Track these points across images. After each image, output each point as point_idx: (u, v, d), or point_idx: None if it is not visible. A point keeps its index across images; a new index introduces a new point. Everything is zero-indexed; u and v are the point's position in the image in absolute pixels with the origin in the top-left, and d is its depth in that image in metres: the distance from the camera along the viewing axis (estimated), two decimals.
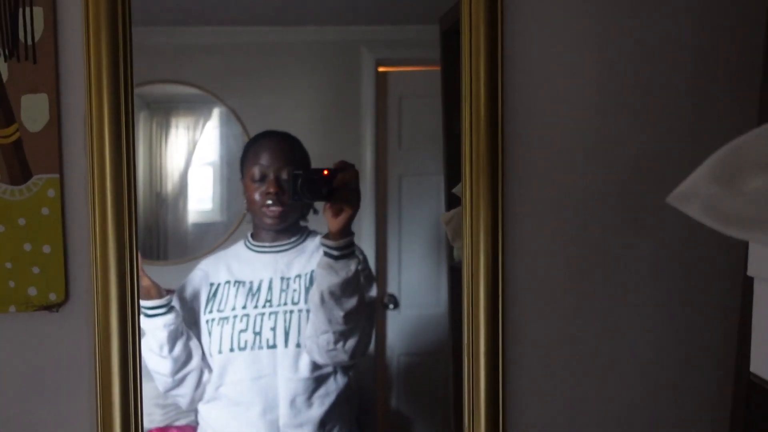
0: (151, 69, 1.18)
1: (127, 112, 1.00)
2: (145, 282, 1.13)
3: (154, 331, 1.15)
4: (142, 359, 1.12)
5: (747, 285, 0.76)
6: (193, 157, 1.30)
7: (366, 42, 1.31)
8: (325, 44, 1.33)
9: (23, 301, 1.02)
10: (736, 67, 1.10)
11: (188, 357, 1.18)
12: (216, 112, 1.31)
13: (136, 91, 1.08)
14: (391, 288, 1.31)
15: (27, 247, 1.01)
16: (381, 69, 1.32)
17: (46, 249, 1.02)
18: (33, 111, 1.01)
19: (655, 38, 1.11)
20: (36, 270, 1.02)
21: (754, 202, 0.58)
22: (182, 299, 1.21)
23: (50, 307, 1.02)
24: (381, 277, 1.31)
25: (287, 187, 1.18)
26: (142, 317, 1.12)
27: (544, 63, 1.11)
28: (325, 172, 1.15)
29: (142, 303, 1.13)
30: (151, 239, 1.27)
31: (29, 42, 0.99)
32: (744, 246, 0.74)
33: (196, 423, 1.25)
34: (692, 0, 1.11)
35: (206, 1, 1.27)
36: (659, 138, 1.11)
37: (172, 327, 1.16)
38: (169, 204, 1.31)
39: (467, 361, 1.10)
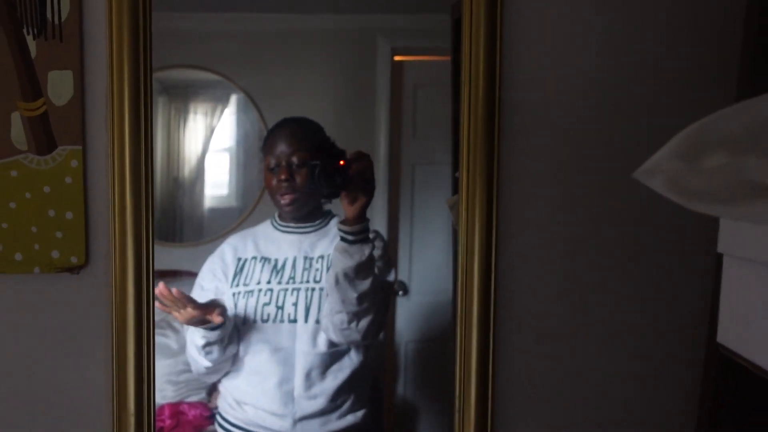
0: (170, 53, 1.19)
1: (146, 89, 1.04)
2: (194, 313, 1.16)
3: (206, 335, 1.19)
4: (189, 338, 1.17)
5: (719, 261, 0.80)
6: (210, 143, 1.32)
7: (382, 30, 1.32)
8: (342, 32, 1.33)
9: (47, 263, 1.06)
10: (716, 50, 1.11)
11: (225, 360, 1.23)
12: (233, 99, 1.32)
13: (156, 75, 1.11)
14: (402, 275, 1.33)
15: (51, 213, 1.06)
16: (397, 58, 1.32)
17: (69, 215, 1.06)
18: (59, 86, 1.04)
19: (655, 25, 1.12)
20: (59, 234, 1.06)
21: (713, 178, 0.63)
22: (214, 271, 1.25)
23: (71, 270, 1.07)
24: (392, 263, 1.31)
25: (304, 174, 1.20)
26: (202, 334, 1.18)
27: (542, 51, 1.13)
28: (342, 162, 1.17)
29: (206, 334, 1.18)
30: (167, 222, 1.29)
31: (56, 21, 1.03)
32: (717, 225, 0.79)
33: (213, 390, 1.29)
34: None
35: None
36: (655, 126, 1.11)
37: (221, 339, 1.20)
38: (186, 188, 1.33)
39: (459, 338, 1.13)
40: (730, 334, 0.77)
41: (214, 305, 1.19)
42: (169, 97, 1.28)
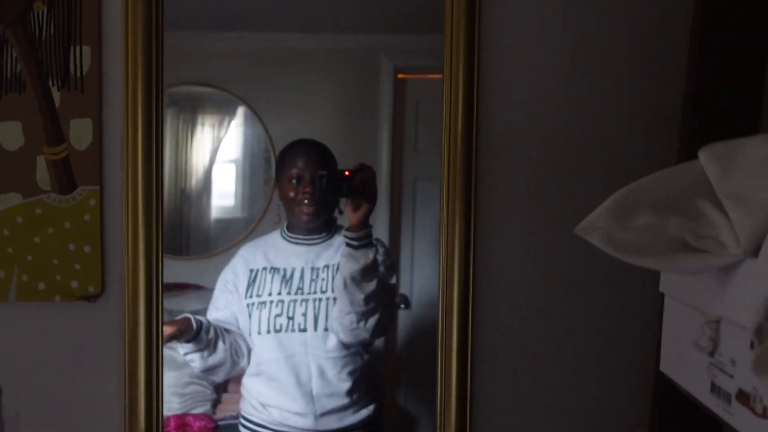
0: (180, 70, 1.23)
1: (157, 138, 1.13)
2: (168, 331, 1.24)
3: (185, 350, 1.28)
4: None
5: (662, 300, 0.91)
6: (217, 155, 1.36)
7: (386, 50, 1.34)
8: (347, 51, 1.36)
9: (67, 291, 1.15)
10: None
11: (217, 365, 1.31)
12: (240, 111, 1.36)
13: (165, 90, 1.15)
14: (404, 288, 1.35)
15: (71, 246, 1.14)
16: (400, 76, 1.35)
17: (87, 249, 1.15)
18: (79, 132, 1.13)
19: (615, 60, 1.18)
20: (78, 266, 1.14)
21: (641, 235, 0.73)
22: (227, 283, 1.32)
23: (89, 298, 1.16)
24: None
25: (314, 186, 1.26)
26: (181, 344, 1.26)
27: (520, 72, 1.19)
28: (346, 173, 1.24)
29: (183, 345, 1.26)
30: (174, 234, 1.32)
31: (78, 75, 1.12)
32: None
33: (218, 402, 1.35)
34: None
35: (233, 8, 1.30)
36: (623, 142, 1.19)
37: (199, 351, 1.28)
38: (193, 200, 1.36)
39: (440, 347, 1.21)
40: (669, 364, 0.87)
41: (175, 322, 1.26)
42: (177, 109, 1.31)
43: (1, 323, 1.16)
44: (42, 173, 1.14)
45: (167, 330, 1.24)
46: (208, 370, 1.32)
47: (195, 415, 1.32)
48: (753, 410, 0.67)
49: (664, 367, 0.88)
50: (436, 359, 1.22)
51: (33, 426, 1.18)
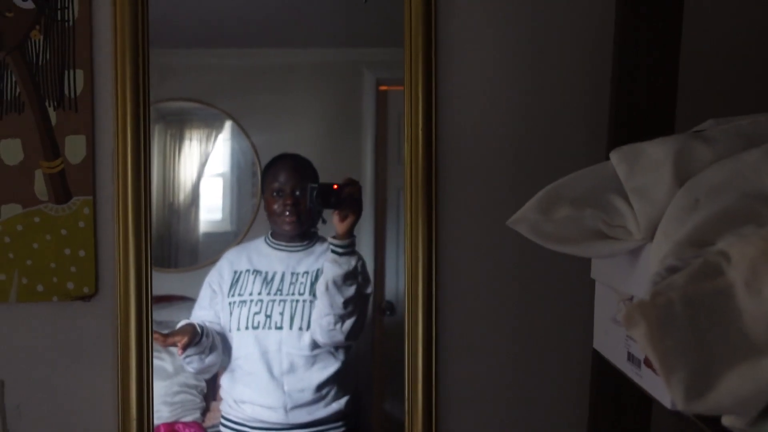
0: (166, 86, 1.28)
1: (145, 152, 1.22)
2: (170, 341, 1.32)
3: (189, 358, 1.35)
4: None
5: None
6: (205, 168, 1.41)
7: (367, 63, 1.38)
8: (329, 65, 1.40)
9: (63, 292, 1.23)
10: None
11: (212, 364, 1.38)
12: (227, 125, 1.39)
13: (153, 105, 1.21)
14: (389, 295, 1.41)
15: (67, 251, 1.23)
16: (382, 88, 1.39)
17: (82, 253, 1.23)
18: (74, 148, 1.22)
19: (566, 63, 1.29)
20: (73, 269, 1.23)
21: (561, 226, 0.85)
22: (212, 283, 1.39)
23: (84, 298, 1.24)
24: (379, 284, 1.40)
25: (305, 197, 1.33)
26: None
27: (475, 85, 1.27)
28: (335, 186, 1.32)
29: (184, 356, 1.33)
30: (162, 248, 1.37)
31: (72, 96, 1.22)
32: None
33: (207, 411, 1.41)
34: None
35: (218, 25, 1.34)
36: (567, 147, 1.29)
37: (199, 354, 1.35)
38: (181, 214, 1.41)
39: (407, 348, 1.29)
40: (600, 340, 0.99)
41: (183, 331, 1.34)
42: (165, 124, 1.36)
43: (2, 323, 1.24)
44: (40, 185, 1.23)
45: (181, 339, 1.32)
46: (203, 371, 1.39)
47: (185, 423, 1.37)
48: (654, 371, 0.78)
49: (596, 344, 1.00)
50: (403, 355, 1.30)
51: (33, 418, 1.26)
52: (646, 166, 0.81)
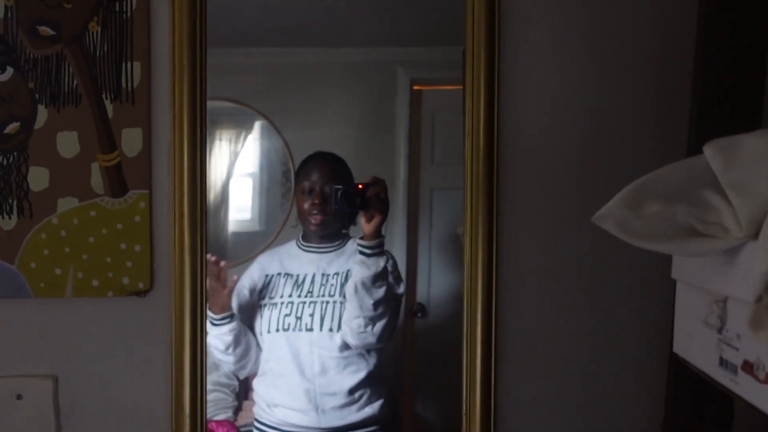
0: None
1: (202, 145, 1.21)
2: (228, 299, 1.35)
3: (222, 336, 1.35)
4: (211, 348, 1.31)
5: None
6: (234, 168, 1.41)
7: (402, 62, 1.38)
8: (363, 64, 1.40)
9: (119, 287, 1.22)
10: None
11: (248, 349, 1.38)
12: (257, 126, 1.40)
13: None
14: (421, 297, 1.40)
15: (123, 246, 1.22)
16: (416, 87, 1.38)
17: (137, 248, 1.22)
18: (130, 141, 1.21)
19: (636, 59, 1.24)
20: (129, 264, 1.22)
21: (651, 222, 0.81)
22: (244, 289, 1.39)
23: (139, 293, 1.23)
24: (410, 286, 1.39)
25: (330, 198, 1.34)
26: (210, 325, 1.32)
27: (538, 83, 1.23)
28: (360, 186, 1.31)
29: (214, 315, 1.33)
30: None
31: (129, 88, 1.21)
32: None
33: (239, 410, 1.41)
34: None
35: (251, 24, 1.34)
36: (638, 146, 1.24)
37: (236, 331, 1.36)
38: (210, 213, 1.36)
39: (465, 352, 1.25)
40: (681, 344, 0.94)
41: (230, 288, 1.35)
42: None
43: (57, 317, 1.24)
44: (96, 178, 1.22)
45: (232, 282, 1.34)
46: (240, 358, 1.38)
47: (218, 422, 1.38)
48: (756, 377, 0.74)
49: (677, 348, 0.95)
50: (462, 362, 1.25)
51: (87, 414, 1.25)
52: (745, 159, 0.76)
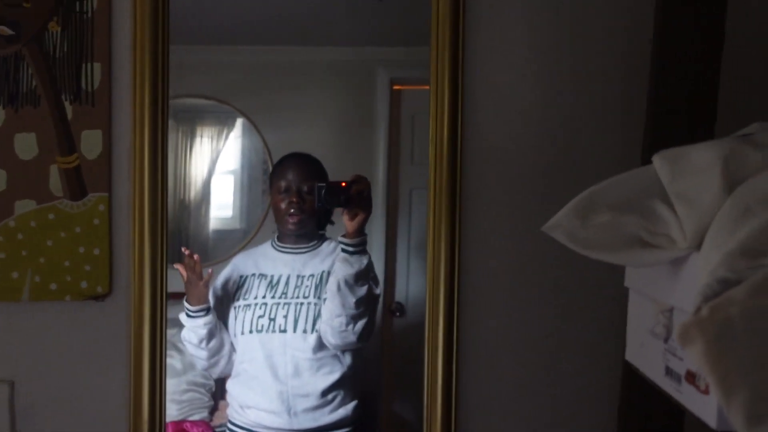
0: (179, 83, 1.24)
1: (163, 147, 1.20)
2: (204, 291, 1.33)
3: (196, 328, 1.34)
4: (184, 342, 1.32)
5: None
6: (216, 166, 1.41)
7: (382, 62, 1.38)
8: (343, 63, 1.39)
9: (77, 291, 1.21)
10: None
11: (221, 346, 1.37)
12: (239, 123, 1.40)
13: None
14: (399, 296, 1.40)
15: (81, 249, 1.20)
16: (396, 87, 1.38)
17: (96, 251, 1.21)
18: (90, 143, 1.20)
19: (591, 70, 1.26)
20: (87, 267, 1.20)
21: (600, 232, 0.81)
22: (217, 289, 1.38)
23: (97, 297, 1.22)
24: (389, 285, 1.39)
25: (314, 196, 1.31)
26: (185, 317, 1.32)
27: (502, 86, 1.25)
28: (343, 184, 1.29)
29: (190, 306, 1.33)
30: (174, 244, 1.32)
31: (89, 90, 1.20)
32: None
33: (215, 410, 1.41)
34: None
35: (233, 22, 1.33)
36: (598, 149, 1.25)
37: (210, 325, 1.35)
38: (191, 210, 1.40)
39: (427, 353, 1.26)
40: (633, 352, 0.95)
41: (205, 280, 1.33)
42: (176, 121, 1.34)
43: (15, 322, 1.22)
44: (55, 181, 1.21)
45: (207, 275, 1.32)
46: (213, 354, 1.36)
47: (193, 422, 1.38)
48: (698, 387, 0.74)
49: (628, 356, 0.95)
50: (423, 360, 1.27)
51: (44, 419, 1.24)
52: (691, 170, 0.77)
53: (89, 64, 1.20)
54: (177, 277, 1.31)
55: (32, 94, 1.20)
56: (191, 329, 1.35)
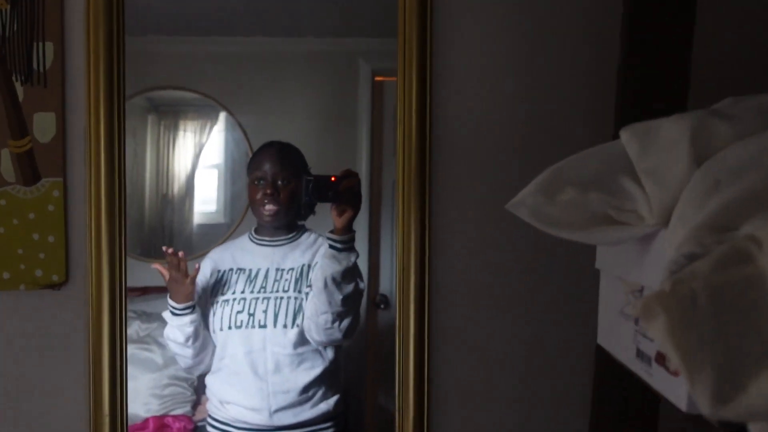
0: (158, 75, 1.24)
1: (119, 128, 1.16)
2: (191, 288, 1.29)
3: (182, 327, 1.30)
4: (168, 341, 1.29)
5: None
6: (199, 160, 1.38)
7: (363, 53, 1.35)
8: (325, 55, 1.37)
9: (31, 280, 1.17)
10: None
11: (205, 344, 1.33)
12: (222, 117, 1.37)
13: (145, 95, 1.17)
14: (384, 289, 1.37)
15: (35, 236, 1.17)
16: (378, 78, 1.35)
17: (51, 238, 1.17)
18: (43, 126, 1.16)
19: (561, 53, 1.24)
20: (42, 255, 1.17)
21: (564, 210, 0.78)
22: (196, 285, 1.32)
23: (53, 286, 1.18)
24: (373, 277, 1.36)
25: (300, 190, 1.27)
26: (170, 315, 1.28)
27: (470, 69, 1.22)
28: (333, 179, 1.24)
29: (176, 304, 1.28)
30: (156, 238, 1.34)
31: (41, 70, 1.15)
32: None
33: (198, 404, 1.37)
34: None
35: (212, 12, 1.32)
36: (567, 134, 1.23)
37: (197, 323, 1.31)
38: (175, 205, 1.37)
39: (397, 344, 1.24)
40: (604, 336, 0.92)
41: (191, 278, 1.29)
42: (158, 115, 1.33)
43: None
44: (6, 166, 1.16)
45: (180, 274, 1.28)
46: (199, 351, 1.33)
47: (174, 416, 1.35)
48: (668, 369, 0.71)
49: (600, 340, 0.93)
50: (394, 349, 1.24)
51: (0, 410, 1.20)
52: (659, 145, 0.74)
53: (41, 43, 1.16)
54: (153, 270, 1.28)
55: None
56: (177, 327, 1.30)
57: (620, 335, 0.85)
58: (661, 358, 0.74)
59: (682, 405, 0.68)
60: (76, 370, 1.20)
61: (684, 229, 0.65)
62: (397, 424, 1.27)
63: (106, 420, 1.19)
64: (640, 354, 0.79)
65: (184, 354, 1.33)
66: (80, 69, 1.17)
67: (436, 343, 1.25)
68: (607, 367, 0.97)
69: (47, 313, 1.19)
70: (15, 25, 1.15)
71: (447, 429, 1.27)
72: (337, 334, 1.29)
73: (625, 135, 0.77)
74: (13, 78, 1.16)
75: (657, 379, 0.75)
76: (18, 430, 1.20)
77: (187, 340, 1.31)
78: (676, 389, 0.70)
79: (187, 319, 1.30)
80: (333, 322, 1.28)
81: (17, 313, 1.19)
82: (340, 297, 1.27)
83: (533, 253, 1.25)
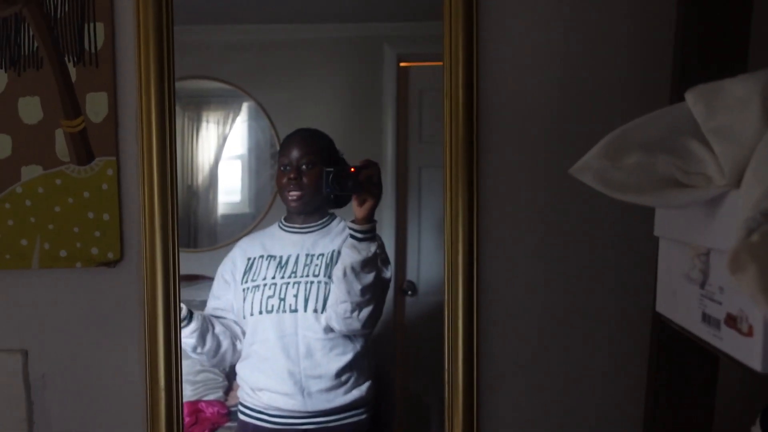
0: (183, 65, 1.21)
1: (170, 107, 1.17)
2: None
3: (185, 339, 1.31)
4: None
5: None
6: (223, 151, 1.39)
7: (388, 38, 1.35)
8: (349, 40, 1.37)
9: (87, 258, 1.19)
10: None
11: (218, 344, 1.35)
12: (245, 107, 1.38)
13: None
14: (411, 275, 1.38)
15: (90, 215, 1.18)
16: (402, 64, 1.35)
17: (106, 217, 1.18)
18: (95, 106, 1.17)
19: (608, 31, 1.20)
20: (97, 233, 1.18)
21: (631, 174, 0.77)
22: (224, 273, 1.36)
23: (108, 264, 1.20)
24: (400, 264, 1.37)
25: (321, 181, 1.28)
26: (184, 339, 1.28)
27: (516, 58, 1.19)
28: (352, 169, 1.26)
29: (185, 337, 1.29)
30: (182, 229, 1.29)
31: (93, 51, 1.16)
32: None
33: (230, 390, 1.39)
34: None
35: (234, 0, 1.32)
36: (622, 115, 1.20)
37: (197, 331, 1.33)
38: (200, 196, 1.39)
39: (447, 329, 1.21)
40: (664, 303, 0.92)
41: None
42: (182, 107, 1.32)
43: (25, 290, 1.20)
44: (61, 145, 1.18)
45: None
46: (212, 356, 1.36)
47: (208, 402, 1.37)
48: (740, 330, 0.71)
49: (659, 308, 0.92)
50: (443, 343, 1.21)
51: (58, 388, 1.22)
52: (728, 104, 0.73)
53: (91, 24, 1.17)
54: (183, 258, 1.25)
55: (34, 56, 1.17)
56: (182, 340, 1.31)
57: (683, 301, 0.84)
58: (731, 320, 0.73)
59: (757, 365, 0.68)
60: (132, 344, 1.22)
61: (760, 187, 0.64)
62: (447, 410, 1.24)
63: (162, 394, 1.21)
64: (706, 318, 0.79)
65: (200, 359, 1.36)
66: (130, 48, 1.17)
67: (484, 325, 1.23)
68: (666, 336, 0.96)
69: (103, 290, 1.21)
70: (66, 7, 1.17)
71: (499, 405, 1.27)
72: (356, 324, 1.30)
73: (690, 96, 0.76)
74: (66, 59, 1.17)
75: (727, 342, 0.74)
76: (76, 404, 1.23)
77: (194, 349, 1.34)
78: (751, 350, 0.70)
79: (187, 330, 1.32)
80: (352, 311, 1.29)
81: (75, 291, 1.21)
82: (359, 287, 1.27)
83: (585, 231, 1.23)
